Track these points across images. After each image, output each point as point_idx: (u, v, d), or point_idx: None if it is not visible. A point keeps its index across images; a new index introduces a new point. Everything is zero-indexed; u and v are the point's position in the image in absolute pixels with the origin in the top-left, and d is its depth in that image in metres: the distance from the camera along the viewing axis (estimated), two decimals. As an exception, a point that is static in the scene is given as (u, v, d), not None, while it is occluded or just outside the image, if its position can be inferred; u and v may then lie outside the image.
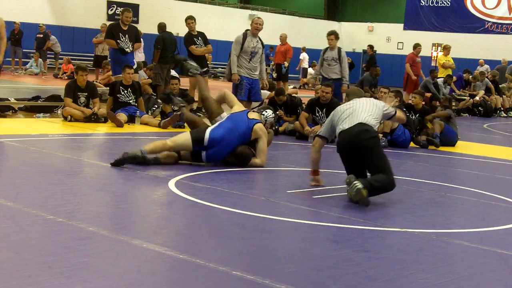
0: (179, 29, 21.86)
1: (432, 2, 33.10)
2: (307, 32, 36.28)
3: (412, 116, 10.98)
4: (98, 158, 7.12)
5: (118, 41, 11.74)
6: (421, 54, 17.53)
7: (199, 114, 12.44)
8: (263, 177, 7.11)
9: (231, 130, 7.17)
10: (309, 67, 29.49)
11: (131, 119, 10.59)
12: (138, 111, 10.74)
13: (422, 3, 33.37)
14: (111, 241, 4.20)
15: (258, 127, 7.36)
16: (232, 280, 3.66)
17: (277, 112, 11.09)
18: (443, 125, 10.69)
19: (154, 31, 15.05)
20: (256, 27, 10.52)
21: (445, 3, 32.82)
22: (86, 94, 10.52)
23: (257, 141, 7.36)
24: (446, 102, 12.54)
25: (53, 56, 24.31)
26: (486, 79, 19.80)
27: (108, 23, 17.17)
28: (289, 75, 20.74)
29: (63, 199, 5.26)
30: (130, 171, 6.57)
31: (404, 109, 10.65)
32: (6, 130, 9.10)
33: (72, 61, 22.43)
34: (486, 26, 31.85)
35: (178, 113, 10.89)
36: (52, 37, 23.73)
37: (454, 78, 19.24)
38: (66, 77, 20.40)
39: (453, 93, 19.08)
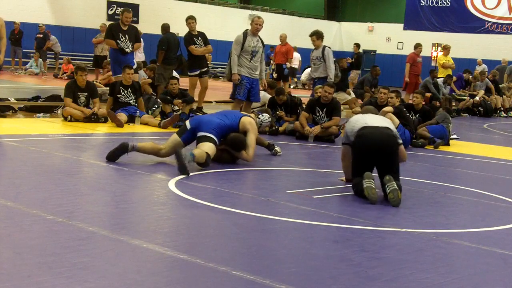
0: (179, 29, 21.82)
1: (432, 2, 33.12)
2: (307, 32, 35.78)
3: (412, 116, 10.99)
4: (98, 158, 7.12)
5: (118, 41, 11.74)
6: (421, 54, 17.53)
7: (199, 114, 12.45)
8: (263, 177, 7.11)
9: (216, 114, 7.57)
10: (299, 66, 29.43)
11: (131, 119, 10.59)
12: (138, 111, 10.75)
13: (422, 3, 33.38)
14: (111, 241, 4.20)
15: (247, 120, 7.46)
16: (232, 280, 3.66)
17: (277, 112, 11.11)
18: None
19: (154, 31, 15.08)
20: (256, 27, 10.51)
21: (445, 3, 32.83)
22: (86, 94, 10.52)
23: (246, 135, 7.39)
24: (446, 102, 12.55)
25: (53, 56, 24.30)
26: (486, 79, 19.80)
27: (108, 23, 17.17)
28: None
29: (63, 199, 5.26)
30: (130, 171, 6.57)
31: (404, 109, 10.67)
32: (6, 130, 9.10)
33: (72, 61, 22.42)
34: (486, 26, 31.86)
35: (178, 113, 10.91)
36: (52, 37, 23.73)
37: (454, 78, 19.24)
38: (66, 77, 20.39)
39: (453, 93, 19.08)
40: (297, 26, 35.59)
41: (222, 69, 29.48)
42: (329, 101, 10.22)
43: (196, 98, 12.93)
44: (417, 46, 17.26)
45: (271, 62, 24.04)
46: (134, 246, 4.11)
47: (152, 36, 24.58)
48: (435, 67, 21.23)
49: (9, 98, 11.97)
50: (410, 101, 12.36)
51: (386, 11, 38.19)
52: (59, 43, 24.19)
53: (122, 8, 13.68)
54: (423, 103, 11.89)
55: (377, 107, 10.64)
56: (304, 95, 17.51)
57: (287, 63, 18.97)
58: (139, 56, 15.92)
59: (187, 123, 7.43)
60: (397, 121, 9.41)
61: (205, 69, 13.13)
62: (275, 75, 19.60)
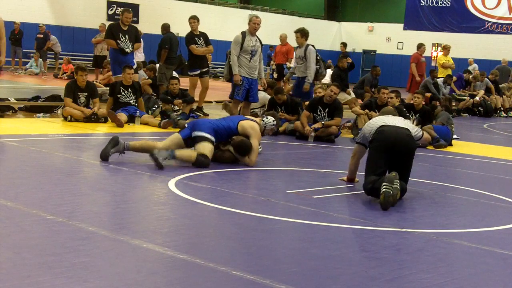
0: (179, 29, 21.82)
1: (432, 2, 33.12)
2: (307, 32, 36.23)
3: (412, 116, 10.99)
4: (98, 158, 7.11)
5: (118, 41, 11.74)
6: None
7: (199, 114, 12.45)
8: (263, 177, 7.11)
9: (214, 119, 7.67)
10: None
11: (131, 119, 10.59)
12: (138, 111, 10.75)
13: (422, 3, 33.39)
14: (111, 241, 4.21)
15: (248, 124, 7.47)
16: (232, 280, 3.66)
17: (279, 114, 11.09)
18: (433, 132, 10.71)
19: (154, 31, 15.07)
20: (254, 26, 10.50)
21: (445, 3, 32.84)
22: (86, 94, 10.53)
23: (248, 139, 7.40)
24: (446, 102, 12.54)
25: (53, 56, 24.31)
26: (486, 79, 19.80)
27: (108, 23, 17.16)
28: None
29: (63, 199, 5.25)
30: (130, 171, 6.57)
31: (404, 109, 10.67)
32: (6, 130, 9.10)
33: (72, 61, 22.43)
34: (486, 26, 31.87)
35: (178, 113, 10.91)
36: (52, 37, 23.73)
37: (454, 78, 19.24)
38: (66, 77, 20.40)
39: (453, 93, 19.08)
40: (297, 26, 35.10)
41: (222, 69, 29.45)
42: (332, 101, 10.23)
43: (196, 98, 12.93)
44: (421, 46, 17.26)
45: (272, 62, 24.04)
46: (134, 246, 4.11)
47: (152, 36, 24.60)
48: (435, 67, 21.23)
49: (9, 98, 11.97)
50: (412, 101, 12.35)
51: (386, 11, 38.20)
52: (59, 43, 24.20)
53: (122, 8, 13.67)
54: (423, 103, 11.90)
55: (377, 107, 10.68)
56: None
57: (287, 63, 18.96)
58: (139, 56, 15.92)
59: (186, 124, 7.58)
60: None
61: (206, 69, 13.14)
62: (275, 75, 19.60)
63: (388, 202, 5.60)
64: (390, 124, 6.24)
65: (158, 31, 14.97)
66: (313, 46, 12.13)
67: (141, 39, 14.35)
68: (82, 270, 3.62)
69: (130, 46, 11.85)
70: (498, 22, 31.60)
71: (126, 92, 10.78)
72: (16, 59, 23.25)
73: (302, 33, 11.91)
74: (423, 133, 6.59)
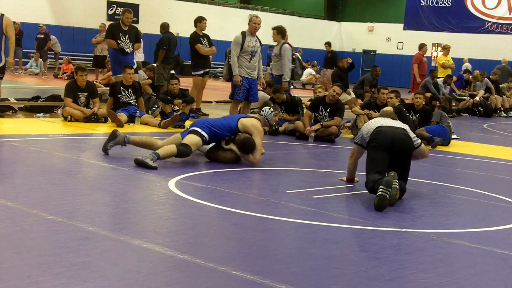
0: (179, 29, 21.87)
1: (432, 2, 33.13)
2: (307, 32, 36.27)
3: (412, 116, 10.99)
4: (98, 158, 7.12)
5: (119, 41, 11.74)
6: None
7: (199, 114, 12.45)
8: (263, 177, 7.11)
9: (214, 118, 7.68)
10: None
11: (131, 119, 10.60)
12: (138, 111, 10.75)
13: (422, 3, 33.39)
14: (111, 241, 4.21)
15: (248, 122, 7.45)
16: (232, 280, 3.66)
17: (276, 112, 11.09)
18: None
19: (154, 31, 15.07)
20: (254, 26, 10.49)
21: (445, 3, 32.84)
22: (86, 94, 10.53)
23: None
24: (446, 102, 12.55)
25: (53, 56, 24.30)
26: (486, 79, 19.80)
27: (108, 23, 17.16)
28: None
29: (63, 199, 5.26)
30: (130, 171, 6.57)
31: (404, 109, 10.67)
32: (6, 130, 9.10)
33: (72, 61, 22.42)
34: (486, 26, 31.87)
35: (179, 113, 10.90)
36: (52, 37, 23.72)
37: (454, 78, 19.23)
38: (66, 77, 20.39)
39: (453, 93, 19.08)
40: (297, 26, 35.60)
41: (222, 69, 29.45)
42: (334, 101, 10.23)
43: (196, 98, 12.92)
44: (422, 46, 17.26)
45: (272, 62, 24.00)
46: (134, 246, 4.11)
47: (152, 36, 24.57)
48: (435, 67, 21.23)
49: (9, 98, 11.97)
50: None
51: (386, 11, 38.20)
52: (59, 43, 24.20)
53: (123, 9, 13.65)
54: (423, 103, 11.90)
55: (377, 107, 10.68)
56: (304, 95, 17.51)
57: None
58: (139, 56, 15.91)
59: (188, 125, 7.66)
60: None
61: (208, 69, 13.17)
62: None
63: (383, 205, 5.60)
64: (387, 125, 6.27)
65: (158, 31, 14.96)
66: (289, 44, 12.10)
67: (141, 39, 14.35)
68: (82, 270, 3.62)
69: (130, 46, 11.85)
70: (498, 22, 31.60)
71: (126, 92, 10.78)
72: (16, 59, 23.23)
73: (279, 30, 11.89)
74: (421, 143, 6.50)
